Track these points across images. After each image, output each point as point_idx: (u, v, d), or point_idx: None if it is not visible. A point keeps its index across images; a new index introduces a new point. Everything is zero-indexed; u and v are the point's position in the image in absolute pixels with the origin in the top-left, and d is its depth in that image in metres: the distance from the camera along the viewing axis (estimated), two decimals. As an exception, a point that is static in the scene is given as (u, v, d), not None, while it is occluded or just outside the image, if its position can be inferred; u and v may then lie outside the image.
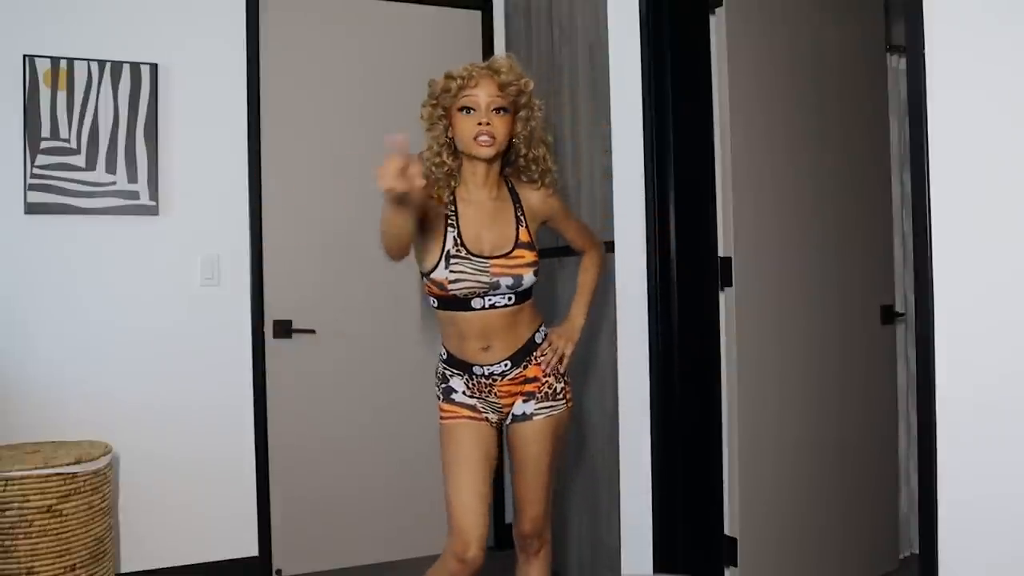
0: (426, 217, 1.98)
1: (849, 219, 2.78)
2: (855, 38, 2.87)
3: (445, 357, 2.13)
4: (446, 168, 2.02)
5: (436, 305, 2.07)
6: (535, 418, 2.08)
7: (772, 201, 2.57)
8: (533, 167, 2.08)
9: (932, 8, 1.63)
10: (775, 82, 2.59)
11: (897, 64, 3.16)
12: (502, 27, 3.48)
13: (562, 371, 2.13)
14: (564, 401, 2.13)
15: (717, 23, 2.49)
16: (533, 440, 2.09)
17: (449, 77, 2.00)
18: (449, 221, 2.01)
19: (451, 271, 1.96)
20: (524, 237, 2.05)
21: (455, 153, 2.05)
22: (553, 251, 2.78)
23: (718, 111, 2.50)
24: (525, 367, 2.08)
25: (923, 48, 1.64)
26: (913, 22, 1.65)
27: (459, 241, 1.99)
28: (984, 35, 1.56)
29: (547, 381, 2.10)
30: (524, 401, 2.10)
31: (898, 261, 3.15)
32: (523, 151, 2.07)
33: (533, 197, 2.11)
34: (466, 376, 2.08)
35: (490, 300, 2.00)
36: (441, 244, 1.99)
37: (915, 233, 1.69)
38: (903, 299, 3.16)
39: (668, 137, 2.45)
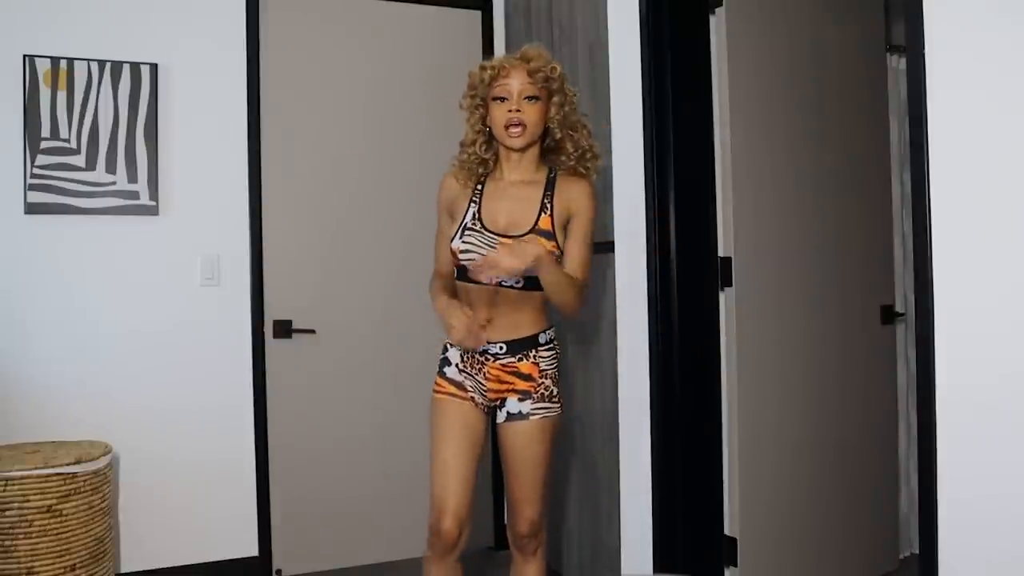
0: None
1: (849, 219, 2.78)
2: (855, 38, 2.87)
3: None
4: (476, 158, 2.13)
5: (456, 276, 2.16)
6: (531, 418, 2.08)
7: (772, 201, 2.57)
8: (569, 146, 2.09)
9: (932, 8, 1.63)
10: (775, 82, 2.59)
11: (897, 64, 3.16)
12: (502, 27, 3.48)
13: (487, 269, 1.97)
14: (558, 405, 2.13)
15: (717, 23, 2.49)
16: (530, 440, 2.09)
17: (483, 68, 2.08)
18: (473, 198, 2.12)
19: (463, 241, 2.07)
20: (544, 225, 2.06)
21: (490, 142, 2.13)
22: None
23: (718, 111, 2.50)
24: (520, 360, 2.09)
25: (923, 48, 1.64)
26: (913, 22, 1.65)
27: (477, 215, 2.09)
28: (984, 35, 1.56)
29: (543, 383, 2.10)
30: (520, 400, 2.09)
31: (898, 261, 3.15)
32: (557, 135, 2.09)
33: (571, 187, 2.09)
34: (463, 349, 2.12)
35: (497, 277, 2.02)
36: (462, 218, 2.11)
37: (915, 233, 1.69)
38: (903, 299, 3.16)
39: (668, 137, 2.45)
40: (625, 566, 2.58)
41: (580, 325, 2.86)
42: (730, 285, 2.47)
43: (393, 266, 3.28)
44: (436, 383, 2.16)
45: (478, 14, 3.48)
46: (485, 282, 2.06)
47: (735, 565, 2.47)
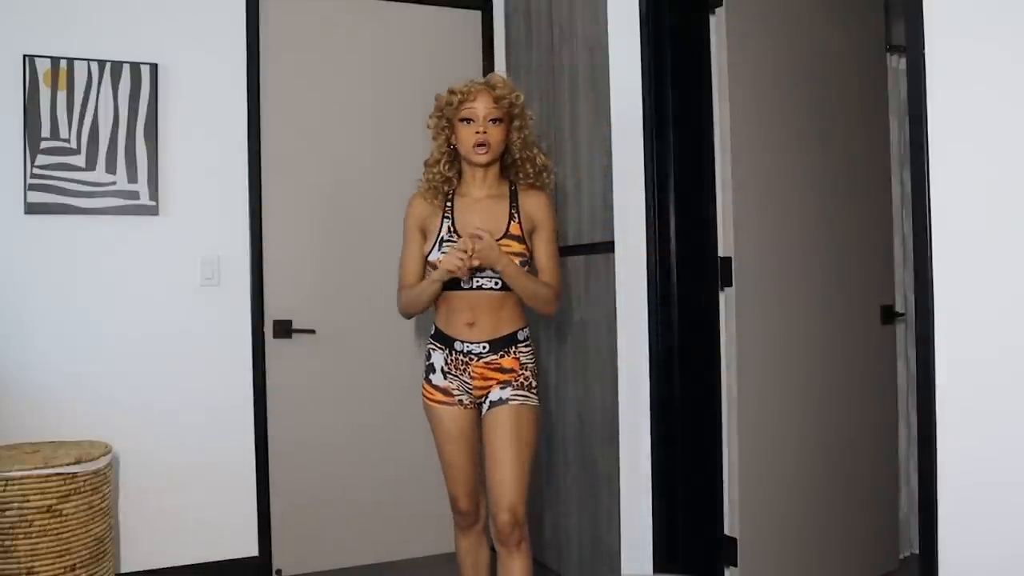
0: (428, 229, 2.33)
1: (849, 219, 2.78)
2: (855, 38, 2.86)
3: (432, 332, 2.33)
4: (441, 177, 2.30)
5: None
6: (512, 403, 2.21)
7: (772, 201, 2.57)
8: (529, 167, 2.31)
9: (932, 8, 1.63)
10: (775, 82, 2.59)
11: (897, 64, 3.16)
12: (502, 27, 3.47)
13: (472, 254, 2.13)
14: (537, 397, 2.27)
15: (717, 23, 2.49)
16: (510, 423, 2.20)
17: (452, 92, 2.25)
18: (445, 215, 2.29)
19: (442, 252, 2.22)
20: (515, 231, 2.25)
21: (453, 161, 2.31)
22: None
23: (718, 111, 2.50)
24: (502, 357, 2.23)
25: (923, 48, 1.64)
26: (913, 22, 1.65)
27: (452, 228, 2.26)
28: (984, 35, 1.56)
29: (523, 374, 2.25)
30: (501, 388, 2.23)
31: (898, 261, 3.15)
32: (517, 155, 2.31)
33: (531, 200, 2.30)
34: (447, 351, 2.26)
35: (477, 282, 2.21)
36: (438, 233, 2.26)
37: (915, 233, 1.69)
38: (903, 299, 3.16)
39: (668, 137, 2.45)
40: (625, 566, 2.58)
41: (581, 325, 2.86)
42: (730, 285, 2.47)
43: (393, 266, 3.25)
44: (424, 389, 2.33)
45: (478, 14, 3.48)
46: (465, 280, 2.20)
47: (735, 565, 2.47)
